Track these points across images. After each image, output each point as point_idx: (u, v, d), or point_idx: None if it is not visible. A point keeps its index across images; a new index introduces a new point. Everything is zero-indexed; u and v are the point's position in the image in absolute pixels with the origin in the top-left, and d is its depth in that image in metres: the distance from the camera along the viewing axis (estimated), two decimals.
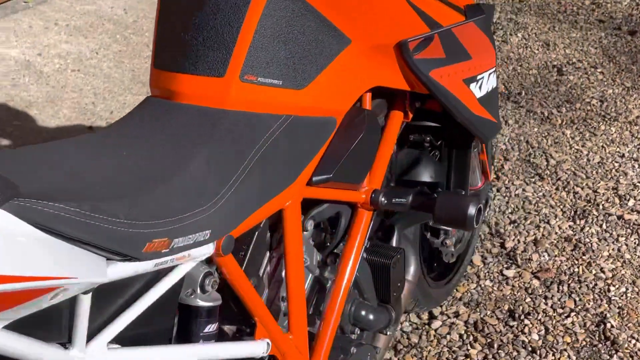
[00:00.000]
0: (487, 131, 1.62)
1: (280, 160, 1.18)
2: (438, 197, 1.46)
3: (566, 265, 2.37)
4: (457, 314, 2.19)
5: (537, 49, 3.83)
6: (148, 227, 0.92)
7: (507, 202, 2.68)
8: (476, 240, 2.40)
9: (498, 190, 2.74)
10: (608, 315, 2.16)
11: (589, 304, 2.21)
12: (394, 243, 1.60)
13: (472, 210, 1.42)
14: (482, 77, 1.53)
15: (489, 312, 2.19)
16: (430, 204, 1.46)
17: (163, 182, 1.00)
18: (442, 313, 2.20)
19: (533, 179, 2.81)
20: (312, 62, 1.21)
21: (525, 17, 4.17)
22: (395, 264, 1.50)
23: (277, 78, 1.17)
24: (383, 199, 1.44)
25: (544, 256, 2.41)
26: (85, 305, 0.91)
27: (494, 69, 1.60)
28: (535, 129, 3.13)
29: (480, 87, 1.54)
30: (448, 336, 2.12)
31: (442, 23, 1.38)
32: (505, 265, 2.38)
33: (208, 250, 1.08)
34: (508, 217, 2.61)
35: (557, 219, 2.58)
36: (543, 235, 2.51)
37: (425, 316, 2.19)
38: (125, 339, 1.03)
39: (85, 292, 0.89)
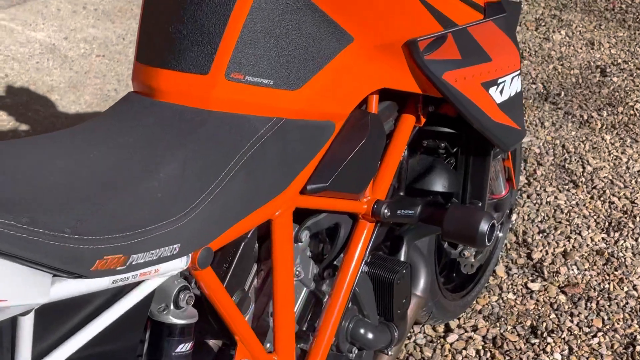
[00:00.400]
0: (508, 139, 1.50)
1: (268, 167, 1.08)
2: (448, 209, 1.34)
3: (596, 280, 2.23)
4: (475, 328, 2.07)
5: (581, 48, 3.65)
6: (98, 242, 0.82)
7: (538, 210, 2.54)
8: (500, 250, 2.27)
9: (529, 197, 2.60)
10: (638, 337, 2.01)
11: (618, 323, 2.07)
12: (402, 256, 1.48)
13: (484, 226, 1.30)
14: (504, 81, 1.41)
15: (509, 328, 2.06)
16: (438, 217, 1.34)
17: (127, 189, 0.91)
18: (459, 326, 2.08)
19: (567, 186, 2.66)
20: (308, 61, 1.10)
21: (570, 13, 3.99)
22: (400, 280, 1.39)
23: (268, 77, 1.07)
24: (386, 211, 1.33)
25: (572, 270, 2.27)
26: (25, 327, 0.82)
27: (517, 71, 1.47)
28: (573, 133, 2.98)
29: (501, 92, 1.41)
30: (464, 351, 1.99)
31: (458, 22, 1.26)
32: (530, 278, 2.25)
33: (180, 264, 0.99)
34: (537, 225, 2.47)
35: (590, 230, 2.44)
36: (573, 247, 2.37)
37: (441, 329, 2.07)
38: (87, 357, 0.94)
39: (23, 314, 0.80)
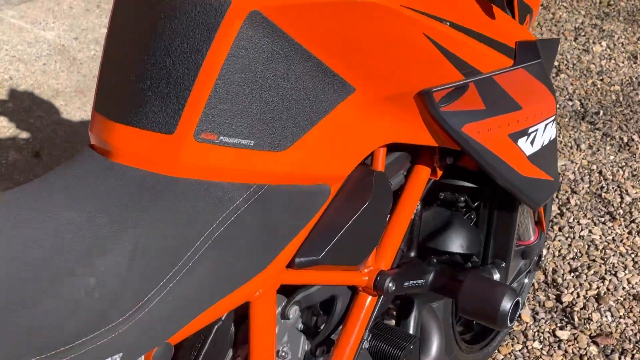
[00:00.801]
0: (538, 195, 1.30)
1: (245, 244, 0.90)
2: (465, 281, 1.15)
3: (632, 330, 2.02)
4: None
5: (623, 62, 3.41)
6: None
7: (570, 245, 2.33)
8: (526, 294, 2.07)
9: (560, 230, 2.39)
10: None
11: None
12: (411, 322, 1.30)
13: (505, 305, 1.11)
14: (536, 130, 1.21)
15: None
16: (453, 289, 1.15)
17: (55, 290, 0.73)
18: None
19: (602, 219, 2.44)
20: (299, 117, 0.92)
21: (612, 23, 3.74)
22: (407, 357, 1.20)
23: (247, 137, 0.88)
24: (391, 285, 1.14)
25: (606, 316, 2.06)
26: None
27: (552, 117, 1.27)
28: (611, 157, 2.75)
29: (532, 142, 1.21)
30: None
31: (482, 69, 1.06)
32: (559, 324, 2.04)
33: None
34: (568, 263, 2.26)
35: (627, 271, 2.22)
36: (608, 289, 2.16)
37: None
38: None
39: None
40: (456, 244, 1.32)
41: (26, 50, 3.04)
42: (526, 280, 1.87)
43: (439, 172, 1.25)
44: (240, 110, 0.87)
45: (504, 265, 1.39)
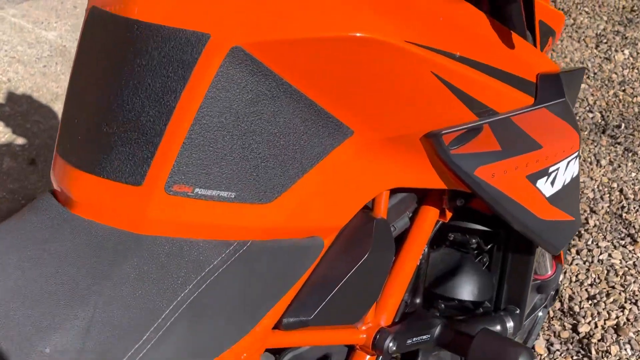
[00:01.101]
0: (558, 238, 1.18)
1: (223, 309, 0.79)
2: (475, 338, 1.04)
3: None
4: None
5: None
6: None
7: (588, 270, 2.20)
8: (542, 323, 1.95)
9: (578, 253, 2.27)
10: None
11: None
12: None
13: None
14: (557, 168, 1.09)
15: None
16: (462, 346, 1.04)
17: None
18: None
19: (623, 241, 2.31)
20: (287, 164, 0.80)
21: (636, 30, 3.59)
22: None
23: (227, 189, 0.77)
24: (392, 344, 1.03)
25: (625, 349, 1.94)
26: None
27: (575, 153, 1.15)
28: (633, 174, 2.62)
29: (552, 182, 1.09)
30: None
31: (498, 109, 0.95)
32: (575, 357, 1.92)
33: None
34: (586, 290, 2.14)
35: None
36: (628, 320, 2.03)
37: None
38: None
39: None
40: (466, 290, 1.21)
41: (26, 52, 2.94)
42: (540, 314, 1.76)
43: (449, 214, 1.14)
44: (220, 158, 0.76)
45: (518, 312, 1.28)
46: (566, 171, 1.13)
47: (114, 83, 0.76)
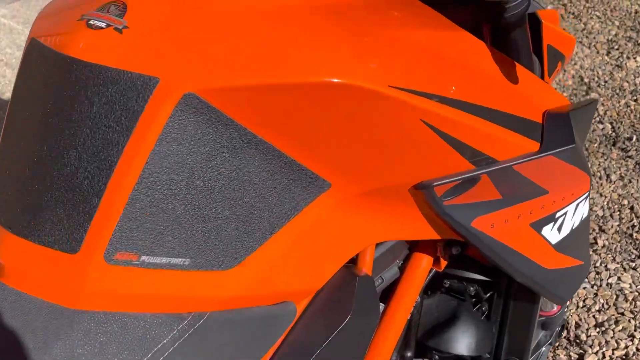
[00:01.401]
0: (566, 287, 1.07)
1: None
2: None
3: None
4: None
5: None
6: None
7: (596, 295, 2.09)
8: (546, 356, 1.84)
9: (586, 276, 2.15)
10: None
11: None
12: None
13: None
14: (565, 213, 0.98)
15: None
16: None
17: None
18: None
19: (633, 263, 2.20)
20: (253, 224, 0.70)
21: None
22: None
23: (180, 255, 0.67)
24: None
25: None
26: None
27: (586, 194, 1.04)
28: None
29: (560, 228, 0.98)
30: None
31: (498, 157, 0.83)
32: None
33: None
34: (594, 316, 2.02)
35: None
36: (637, 349, 1.92)
37: None
38: None
39: None
40: (463, 343, 1.10)
41: (15, 54, 2.84)
42: (543, 348, 1.65)
43: (443, 263, 1.03)
44: (171, 221, 0.65)
45: None
46: (575, 214, 1.01)
47: (49, 131, 0.66)
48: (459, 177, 0.80)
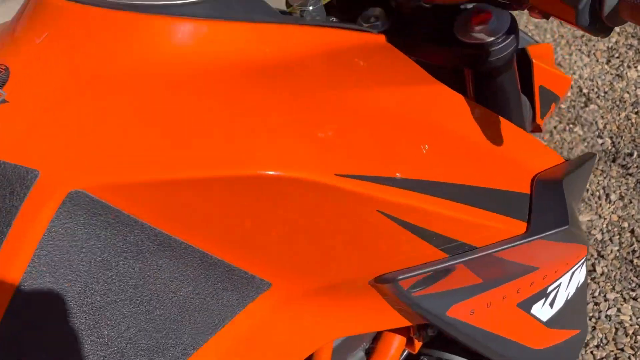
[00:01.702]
0: None
1: None
2: None
3: None
4: None
5: None
6: None
7: (594, 329, 1.97)
8: None
9: None
10: None
11: None
12: None
13: None
14: (558, 285, 0.86)
15: None
16: None
17: None
18: None
19: (634, 293, 2.07)
20: (169, 339, 0.57)
21: None
22: None
23: None
24: None
25: None
26: None
27: (582, 260, 0.92)
28: None
29: (552, 303, 0.86)
30: None
31: (475, 242, 0.71)
32: None
33: None
34: (592, 352, 1.90)
35: None
36: None
37: None
38: None
39: None
40: None
41: None
42: None
43: (417, 344, 0.90)
44: (61, 345, 0.53)
45: None
46: (570, 284, 0.89)
47: None
48: (429, 270, 0.67)
